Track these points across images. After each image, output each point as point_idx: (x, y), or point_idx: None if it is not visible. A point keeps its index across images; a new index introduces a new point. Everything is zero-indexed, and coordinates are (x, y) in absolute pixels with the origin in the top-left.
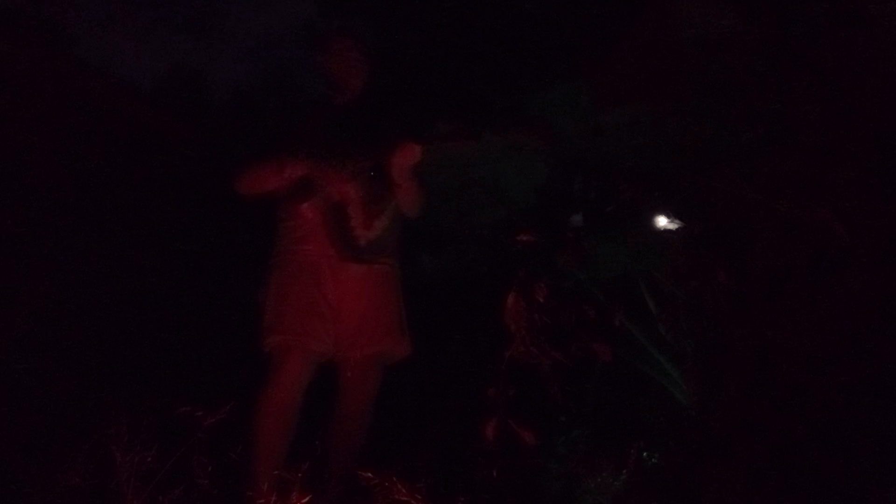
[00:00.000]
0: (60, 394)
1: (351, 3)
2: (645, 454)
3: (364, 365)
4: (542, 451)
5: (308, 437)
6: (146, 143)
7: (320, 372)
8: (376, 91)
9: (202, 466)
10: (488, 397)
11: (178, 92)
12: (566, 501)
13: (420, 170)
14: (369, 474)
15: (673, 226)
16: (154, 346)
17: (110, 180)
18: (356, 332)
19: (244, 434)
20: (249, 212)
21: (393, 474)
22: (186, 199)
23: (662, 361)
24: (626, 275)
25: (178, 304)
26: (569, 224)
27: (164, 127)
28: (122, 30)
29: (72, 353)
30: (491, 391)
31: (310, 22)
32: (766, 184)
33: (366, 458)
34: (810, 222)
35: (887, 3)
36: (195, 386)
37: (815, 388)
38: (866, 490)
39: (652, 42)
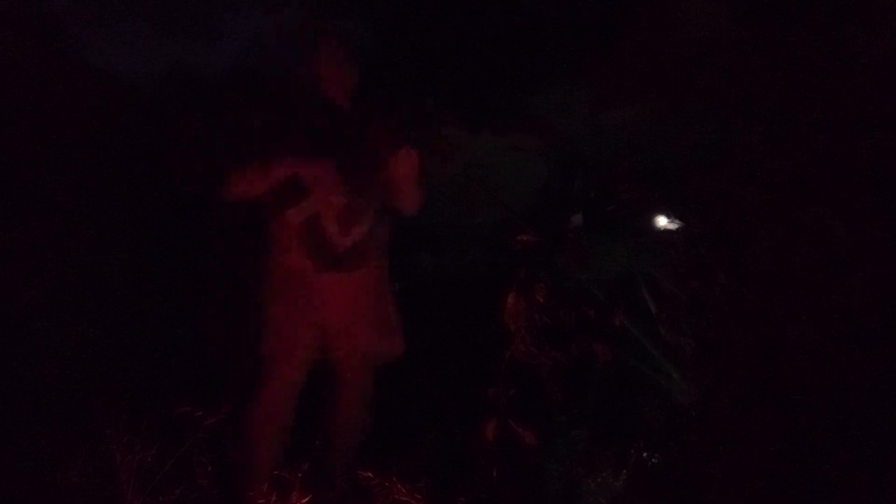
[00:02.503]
0: (60, 394)
1: (346, 3)
2: (645, 454)
3: (352, 365)
4: (542, 451)
5: (307, 436)
6: (145, 143)
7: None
8: (362, 95)
9: (202, 466)
10: (488, 397)
11: (178, 92)
12: (566, 501)
13: (421, 171)
14: (369, 474)
15: (673, 226)
16: (154, 346)
17: (110, 179)
18: (342, 334)
19: (238, 438)
20: (250, 213)
21: (393, 474)
22: (188, 198)
23: (662, 362)
24: (626, 275)
25: (178, 304)
26: (569, 224)
27: (163, 126)
28: (122, 30)
29: (71, 352)
30: (491, 391)
31: (304, 22)
32: (766, 184)
33: (366, 458)
34: (810, 222)
35: (887, 2)
36: (195, 386)
37: (815, 388)
38: (866, 490)
39: (652, 42)
